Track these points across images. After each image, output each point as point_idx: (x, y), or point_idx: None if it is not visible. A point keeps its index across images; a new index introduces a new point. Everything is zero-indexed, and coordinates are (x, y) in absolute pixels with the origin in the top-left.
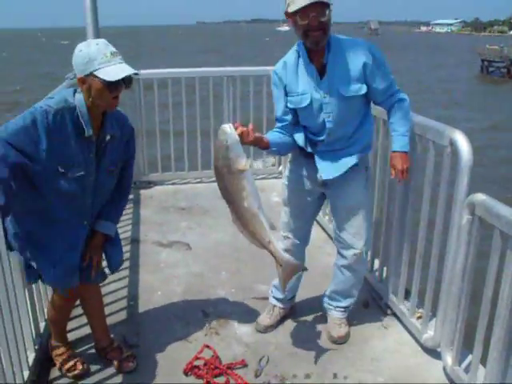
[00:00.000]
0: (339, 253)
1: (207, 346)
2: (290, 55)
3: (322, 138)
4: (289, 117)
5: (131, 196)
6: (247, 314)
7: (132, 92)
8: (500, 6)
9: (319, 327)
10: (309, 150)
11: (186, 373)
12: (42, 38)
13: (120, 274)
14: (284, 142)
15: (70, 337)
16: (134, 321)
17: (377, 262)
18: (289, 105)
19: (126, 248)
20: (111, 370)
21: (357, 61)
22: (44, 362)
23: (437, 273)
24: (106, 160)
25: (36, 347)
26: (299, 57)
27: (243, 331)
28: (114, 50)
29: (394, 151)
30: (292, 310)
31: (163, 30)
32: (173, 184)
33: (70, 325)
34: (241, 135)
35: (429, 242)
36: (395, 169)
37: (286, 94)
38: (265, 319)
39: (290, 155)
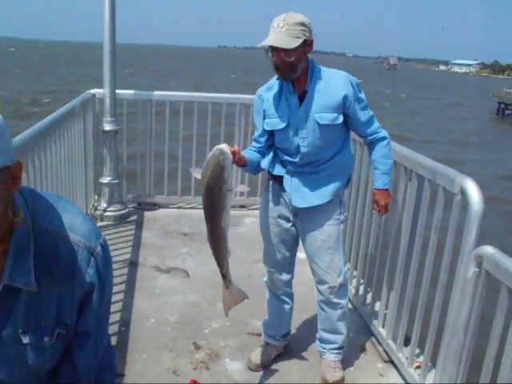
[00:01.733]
0: (316, 288)
1: (195, 382)
2: (275, 81)
3: (295, 160)
4: (264, 138)
5: (134, 217)
6: (240, 350)
7: (143, 114)
8: None
9: (313, 370)
10: (275, 172)
11: None
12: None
13: (114, 298)
14: (257, 160)
15: None
16: (123, 348)
17: (377, 306)
18: (265, 126)
19: (123, 271)
20: None
21: (337, 91)
22: None
23: (439, 323)
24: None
25: None
26: (283, 83)
27: (234, 368)
28: None
29: (377, 188)
30: (286, 348)
31: (184, 50)
32: (178, 208)
33: None
34: (232, 155)
35: (432, 291)
36: (378, 205)
37: (264, 117)
38: (257, 357)
39: (265, 184)
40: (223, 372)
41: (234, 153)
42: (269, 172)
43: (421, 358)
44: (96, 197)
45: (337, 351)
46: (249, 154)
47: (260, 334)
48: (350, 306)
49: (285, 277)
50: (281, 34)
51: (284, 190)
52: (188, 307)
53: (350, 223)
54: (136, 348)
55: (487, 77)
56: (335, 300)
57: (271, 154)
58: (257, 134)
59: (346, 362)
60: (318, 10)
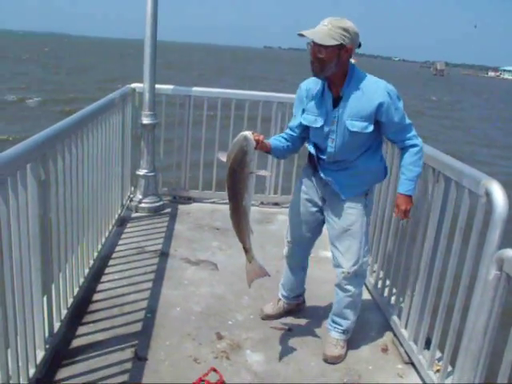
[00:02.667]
0: (335, 271)
1: (214, 370)
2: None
3: (324, 157)
4: (298, 130)
5: (169, 210)
6: (262, 343)
7: (182, 108)
8: None
9: (332, 366)
10: (315, 159)
11: None
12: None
13: (142, 286)
14: (283, 147)
15: (82, 341)
16: (147, 334)
17: (401, 307)
18: (303, 121)
19: (153, 260)
20: (116, 380)
21: (372, 100)
22: (53, 362)
23: (459, 326)
24: None
25: (47, 346)
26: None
27: (254, 359)
28: None
29: (400, 193)
30: (298, 307)
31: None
32: (212, 202)
33: (81, 330)
34: (256, 142)
35: (455, 293)
36: (398, 209)
37: (304, 111)
38: (269, 308)
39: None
40: (243, 362)
41: (257, 140)
42: (309, 159)
43: (441, 363)
44: (132, 188)
45: (341, 331)
46: (276, 141)
47: (283, 329)
48: (374, 304)
49: (300, 253)
50: (321, 30)
51: (317, 178)
52: (214, 299)
53: (379, 222)
54: (160, 335)
55: None
56: (347, 286)
57: (313, 145)
58: (293, 123)
59: (367, 361)
60: (364, 13)
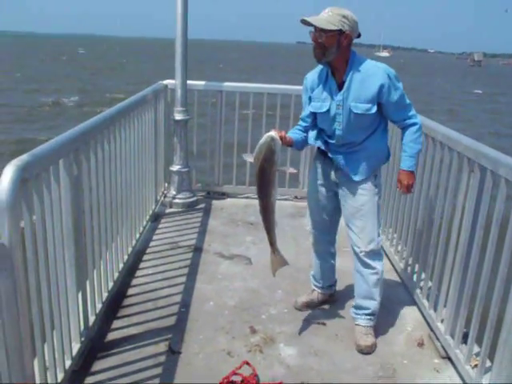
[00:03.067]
0: (352, 251)
1: (247, 363)
2: (323, 68)
3: (332, 141)
4: (310, 119)
5: (202, 205)
6: (295, 337)
7: (214, 104)
8: None
9: (366, 361)
10: (319, 146)
11: None
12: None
13: (176, 281)
14: (302, 138)
15: (116, 335)
16: (181, 327)
17: (437, 301)
18: (310, 109)
19: (187, 255)
20: (150, 373)
21: (373, 82)
22: (88, 354)
23: (497, 319)
24: None
25: (82, 339)
26: (328, 70)
27: (288, 353)
28: None
29: (402, 169)
30: (332, 297)
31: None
32: (246, 198)
33: (115, 324)
34: (281, 139)
35: (492, 286)
36: (401, 184)
37: (310, 100)
38: (303, 298)
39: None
40: (276, 356)
41: (281, 137)
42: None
43: (479, 358)
44: (166, 184)
45: (368, 317)
46: (294, 134)
47: (317, 323)
48: (409, 299)
49: (324, 238)
50: (322, 17)
51: (328, 163)
52: (248, 293)
53: (413, 218)
54: (194, 328)
55: None
56: (370, 263)
57: (315, 131)
58: (304, 114)
59: (402, 355)
60: (399, 4)
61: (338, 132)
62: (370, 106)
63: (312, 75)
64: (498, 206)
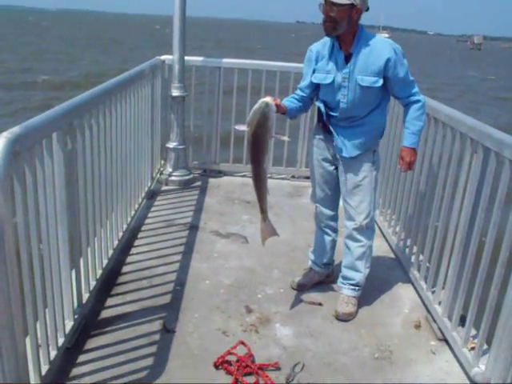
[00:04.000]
0: (345, 225)
1: (242, 343)
2: (328, 40)
3: (335, 114)
4: (308, 90)
5: (199, 183)
6: (291, 317)
7: (212, 79)
8: None
9: (363, 342)
10: (325, 118)
11: (216, 366)
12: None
13: (171, 259)
14: (296, 108)
15: (110, 312)
16: (176, 306)
17: (435, 283)
18: (313, 79)
19: (183, 233)
20: (144, 352)
21: (380, 56)
22: (82, 332)
23: (497, 303)
24: None
25: (76, 316)
26: (334, 42)
27: (283, 333)
28: None
29: (404, 146)
30: (329, 278)
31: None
32: (242, 176)
33: (110, 301)
34: (275, 106)
35: (492, 268)
36: (403, 160)
37: (314, 71)
38: (300, 278)
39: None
40: (272, 336)
41: (276, 105)
42: (319, 118)
43: (476, 341)
44: (162, 162)
45: (352, 287)
46: (289, 102)
47: (313, 303)
48: (407, 281)
49: (327, 212)
50: None
51: (328, 137)
52: (244, 272)
53: (412, 197)
54: (189, 307)
55: None
56: (358, 236)
57: (323, 104)
58: (303, 83)
59: (398, 337)
60: None
61: (342, 105)
62: (376, 78)
63: (317, 47)
64: (501, 188)
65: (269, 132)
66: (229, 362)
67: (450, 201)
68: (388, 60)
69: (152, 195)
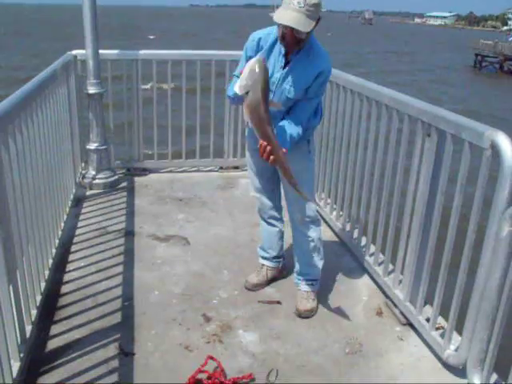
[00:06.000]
0: (289, 218)
1: (211, 358)
2: (273, 31)
3: None
4: None
5: (125, 183)
6: (253, 320)
7: (129, 75)
8: (494, 1)
9: (332, 337)
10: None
11: None
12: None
13: (113, 271)
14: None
15: (57, 342)
16: (129, 325)
17: (391, 267)
18: None
19: (119, 241)
20: (104, 382)
21: (314, 70)
22: (30, 371)
23: (464, 286)
24: None
25: (21, 355)
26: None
27: (249, 339)
28: None
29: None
30: (282, 273)
31: (155, 11)
32: (169, 172)
33: (54, 329)
34: None
35: (456, 253)
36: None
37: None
38: (253, 278)
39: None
40: (238, 344)
41: None
42: None
43: (439, 320)
44: (83, 164)
45: (309, 282)
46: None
47: (272, 302)
48: (360, 268)
49: (269, 202)
50: (300, 13)
51: None
52: (192, 277)
53: (357, 180)
54: (143, 324)
55: (463, 29)
56: (305, 230)
57: None
58: (238, 71)
59: (364, 328)
60: None
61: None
62: (302, 93)
63: (265, 36)
64: (462, 171)
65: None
66: (200, 382)
67: (403, 184)
68: (317, 77)
69: (77, 202)
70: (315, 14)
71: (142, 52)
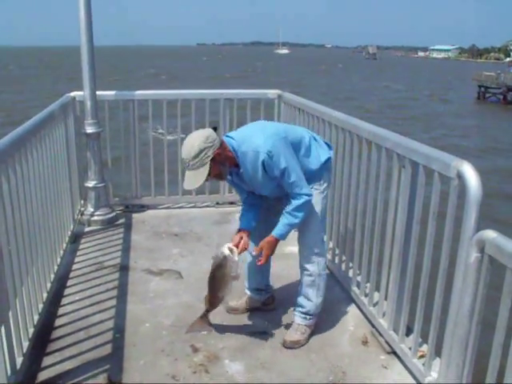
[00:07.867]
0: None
1: None
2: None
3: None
4: (247, 194)
5: (123, 220)
6: (239, 350)
7: (126, 112)
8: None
9: (316, 366)
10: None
11: None
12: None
13: (106, 304)
14: (254, 214)
15: (48, 374)
16: (119, 355)
17: (377, 296)
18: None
19: (114, 276)
20: None
21: (257, 166)
22: None
23: (442, 311)
24: None
25: None
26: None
27: (234, 369)
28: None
29: (273, 236)
30: (266, 306)
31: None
32: (166, 208)
33: (46, 361)
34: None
35: (433, 279)
36: (260, 250)
37: (236, 185)
38: (233, 301)
39: None
40: (224, 374)
41: (237, 246)
42: None
43: (424, 347)
44: (82, 202)
45: (303, 315)
46: (246, 217)
47: (260, 332)
48: (348, 298)
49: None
50: (190, 172)
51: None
52: (183, 309)
53: (351, 215)
54: (132, 355)
55: (466, 61)
56: (306, 265)
57: None
58: (241, 196)
59: (349, 356)
60: (294, 3)
61: (264, 193)
62: (273, 182)
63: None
64: (433, 201)
65: (233, 276)
66: None
67: (383, 215)
68: (262, 164)
69: (75, 238)
70: (202, 161)
71: (138, 92)
